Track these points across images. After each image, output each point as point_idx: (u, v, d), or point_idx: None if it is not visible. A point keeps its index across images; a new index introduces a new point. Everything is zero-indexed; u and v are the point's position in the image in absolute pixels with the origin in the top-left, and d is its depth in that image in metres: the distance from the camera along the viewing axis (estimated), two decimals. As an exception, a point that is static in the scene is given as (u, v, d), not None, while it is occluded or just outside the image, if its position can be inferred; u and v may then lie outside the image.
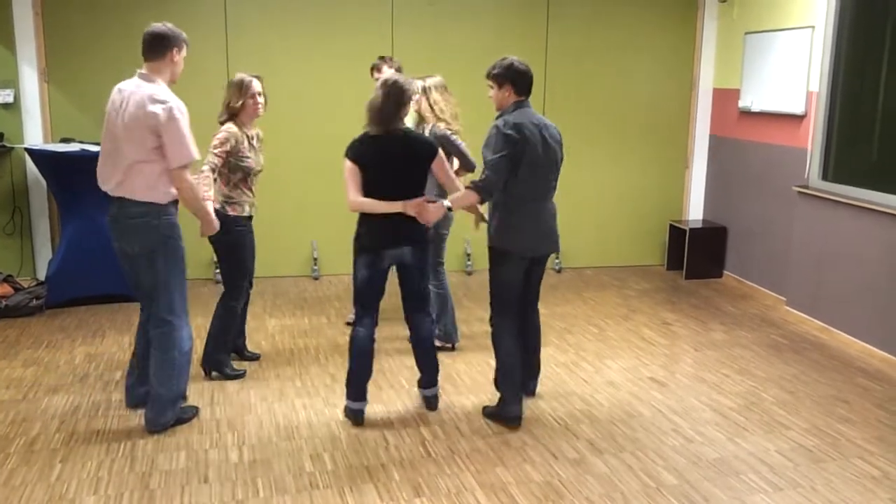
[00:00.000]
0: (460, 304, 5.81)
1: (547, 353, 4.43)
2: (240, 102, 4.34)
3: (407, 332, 4.33)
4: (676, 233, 7.31)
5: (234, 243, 4.42)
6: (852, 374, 4.91)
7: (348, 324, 5.58)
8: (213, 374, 4.61)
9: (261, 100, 4.41)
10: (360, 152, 3.86)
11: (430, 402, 4.24)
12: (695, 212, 7.54)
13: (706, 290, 6.82)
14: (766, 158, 6.53)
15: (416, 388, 4.39)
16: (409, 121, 5.01)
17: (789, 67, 6.14)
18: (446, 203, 3.94)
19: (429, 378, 4.23)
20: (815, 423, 4.17)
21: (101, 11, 6.21)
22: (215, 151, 4.25)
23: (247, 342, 4.96)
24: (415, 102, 4.84)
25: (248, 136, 4.42)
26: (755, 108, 6.61)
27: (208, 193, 4.13)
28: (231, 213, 4.35)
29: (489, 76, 4.01)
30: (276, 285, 6.58)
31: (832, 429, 4.11)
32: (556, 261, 7.26)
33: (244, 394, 4.41)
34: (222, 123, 4.37)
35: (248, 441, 3.85)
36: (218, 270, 5.44)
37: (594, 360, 5.06)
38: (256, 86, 4.39)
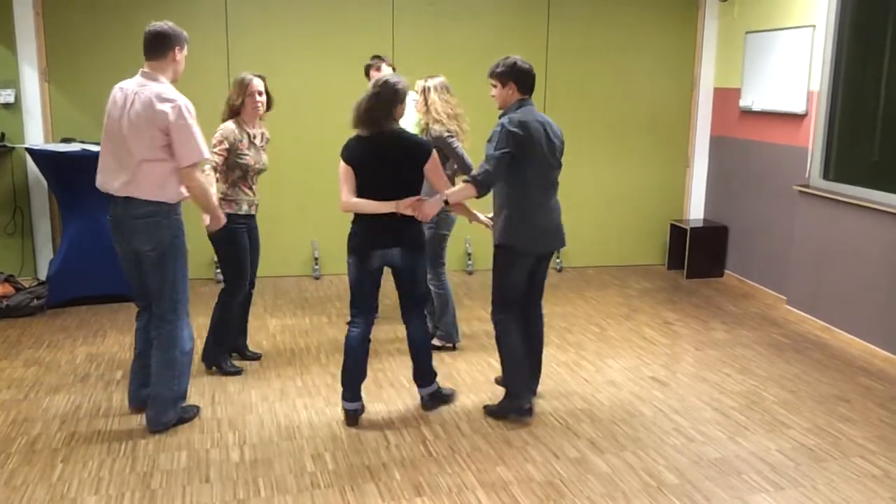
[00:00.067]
0: (461, 304, 5.81)
1: (548, 353, 4.44)
2: (239, 100, 4.38)
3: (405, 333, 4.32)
4: (677, 232, 7.31)
5: (229, 241, 4.45)
6: (853, 373, 4.91)
7: (349, 323, 5.58)
8: (213, 368, 4.65)
9: (261, 99, 4.42)
10: (353, 153, 3.86)
11: (423, 402, 4.23)
12: (696, 211, 7.54)
13: (707, 289, 6.82)
14: (767, 158, 6.53)
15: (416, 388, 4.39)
16: (410, 121, 5.02)
17: (790, 67, 6.14)
18: (443, 196, 3.94)
19: (421, 378, 4.21)
20: (816, 423, 4.17)
21: (101, 11, 6.22)
22: (215, 150, 4.28)
23: (248, 342, 4.96)
24: (416, 103, 4.86)
25: (248, 134, 4.43)
26: (756, 107, 6.61)
27: (212, 191, 4.14)
28: (226, 210, 4.36)
29: (492, 75, 4.03)
30: (277, 285, 6.58)
31: (833, 428, 4.11)
32: (558, 260, 7.26)
33: (245, 393, 4.41)
34: (224, 121, 4.40)
35: (249, 441, 3.85)
36: (219, 269, 5.44)
37: (595, 359, 5.06)
38: (257, 85, 4.41)
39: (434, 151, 3.92)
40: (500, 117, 4.04)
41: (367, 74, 5.20)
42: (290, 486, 3.44)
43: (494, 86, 4.05)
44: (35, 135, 6.21)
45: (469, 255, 7.06)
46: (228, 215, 4.34)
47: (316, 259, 6.88)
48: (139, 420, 3.99)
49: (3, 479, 3.45)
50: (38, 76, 6.17)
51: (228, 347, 4.77)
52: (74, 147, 5.86)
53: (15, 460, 3.62)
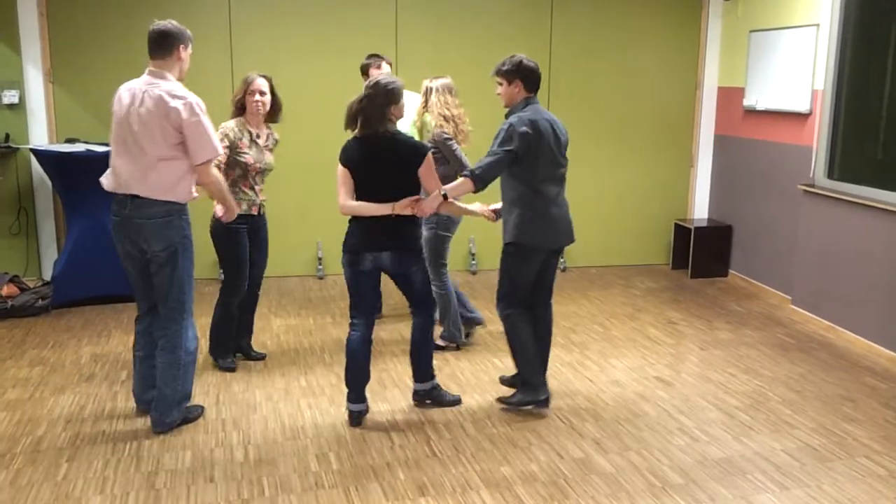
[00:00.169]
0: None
1: (552, 353, 4.43)
2: (241, 98, 4.45)
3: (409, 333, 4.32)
4: (682, 232, 7.30)
5: (227, 240, 4.49)
6: (859, 373, 4.90)
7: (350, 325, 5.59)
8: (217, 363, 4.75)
9: (261, 98, 4.44)
10: (349, 155, 3.86)
11: (414, 395, 4.25)
12: (700, 210, 7.53)
13: (711, 289, 6.81)
14: (772, 157, 6.52)
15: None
16: (407, 121, 5.01)
17: (794, 66, 6.13)
18: (442, 192, 3.94)
19: (416, 374, 4.22)
20: (821, 423, 4.16)
21: (105, 12, 6.22)
22: None
23: (252, 342, 4.96)
24: (420, 103, 4.86)
25: (249, 133, 4.45)
26: (760, 106, 6.60)
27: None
28: None
29: (498, 73, 4.06)
30: (281, 285, 6.59)
31: (839, 428, 4.10)
32: (562, 260, 7.25)
33: (249, 393, 4.41)
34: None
35: (253, 440, 3.85)
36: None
37: (599, 359, 5.05)
38: (259, 84, 4.43)
39: (429, 155, 3.88)
40: (506, 115, 4.08)
41: (367, 73, 5.15)
42: (295, 485, 3.44)
43: (500, 83, 4.08)
44: (39, 135, 6.23)
45: (473, 255, 7.06)
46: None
47: (320, 259, 6.89)
48: (144, 420, 4.00)
49: (8, 478, 3.46)
50: (43, 77, 6.19)
51: (231, 347, 4.78)
52: (79, 147, 5.87)
53: (20, 460, 3.63)
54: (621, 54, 7.14)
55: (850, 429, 4.09)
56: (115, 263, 4.37)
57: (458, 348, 5.10)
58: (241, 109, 4.48)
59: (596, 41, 7.08)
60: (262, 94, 4.45)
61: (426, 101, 4.82)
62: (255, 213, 4.57)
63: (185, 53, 3.74)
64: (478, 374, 4.75)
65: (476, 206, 4.29)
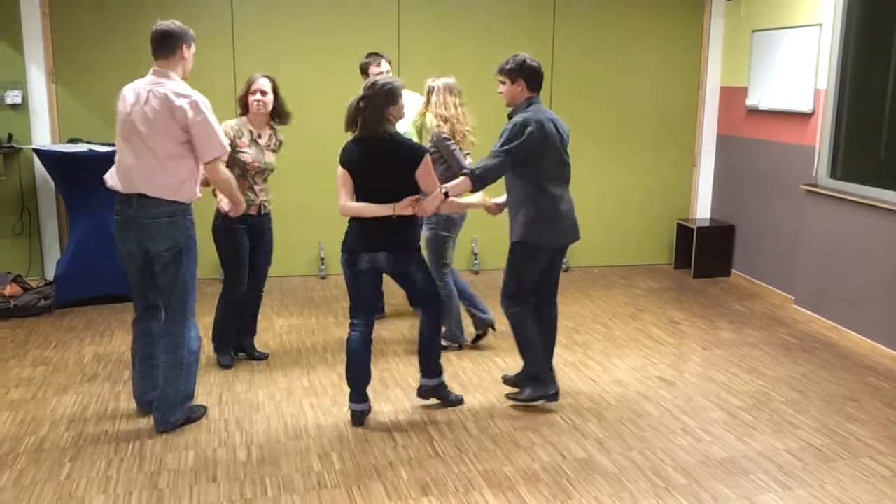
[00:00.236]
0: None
1: (555, 353, 4.43)
2: (241, 97, 4.52)
3: (413, 333, 4.32)
4: (684, 231, 7.29)
5: (225, 240, 4.55)
6: (862, 373, 4.89)
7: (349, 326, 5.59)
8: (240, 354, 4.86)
9: (262, 98, 4.47)
10: (348, 156, 3.86)
11: (419, 389, 4.25)
12: (702, 210, 7.52)
13: (714, 288, 6.80)
14: (774, 157, 6.51)
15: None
16: (406, 121, 5.00)
17: (797, 65, 6.12)
18: (443, 190, 3.94)
19: (424, 370, 4.21)
20: (824, 423, 4.15)
21: (108, 12, 6.23)
22: None
23: (255, 342, 4.96)
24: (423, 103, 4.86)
25: (250, 132, 4.47)
26: (763, 106, 6.59)
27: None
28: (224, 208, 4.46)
29: (502, 71, 4.09)
30: (283, 285, 6.59)
31: (842, 428, 4.09)
32: (564, 259, 7.23)
33: (252, 393, 4.42)
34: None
35: (256, 440, 3.85)
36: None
37: (602, 359, 5.05)
38: (260, 84, 4.47)
39: (426, 157, 3.85)
40: (509, 115, 4.10)
41: (366, 72, 5.14)
42: (297, 485, 3.44)
43: (503, 82, 4.10)
44: (42, 135, 6.23)
45: (475, 254, 7.06)
46: (225, 214, 4.42)
47: (322, 259, 6.89)
48: (147, 420, 4.00)
49: (11, 478, 3.47)
50: (45, 77, 6.19)
51: (232, 345, 4.81)
52: (81, 147, 5.87)
53: (23, 460, 3.63)
54: (624, 54, 7.14)
55: (853, 429, 4.08)
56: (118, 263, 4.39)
57: (460, 348, 5.10)
58: (245, 108, 4.53)
59: (598, 41, 7.08)
60: (263, 93, 4.46)
61: (428, 101, 4.82)
62: (255, 213, 4.57)
63: (189, 53, 3.75)
64: (480, 373, 4.75)
65: (476, 198, 4.29)
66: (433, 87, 4.79)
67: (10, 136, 6.14)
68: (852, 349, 5.31)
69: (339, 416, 4.12)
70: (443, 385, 4.24)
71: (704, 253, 7.08)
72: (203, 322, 4.68)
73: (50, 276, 6.28)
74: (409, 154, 3.83)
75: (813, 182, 5.99)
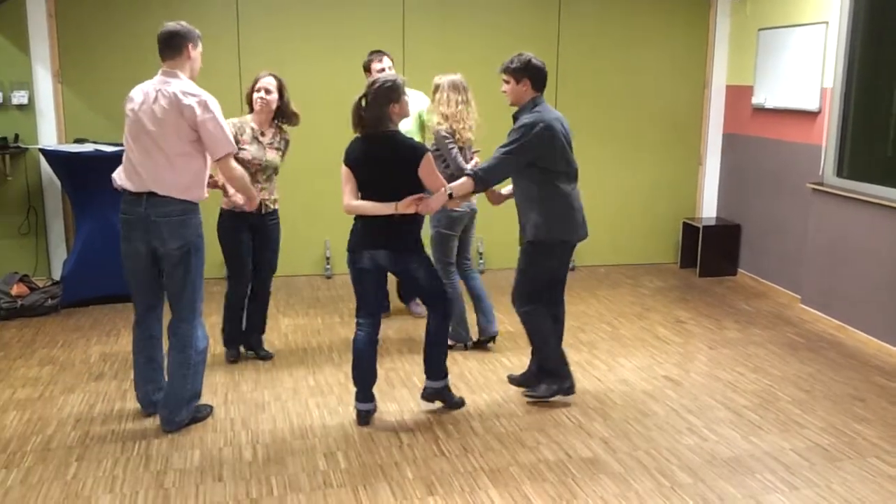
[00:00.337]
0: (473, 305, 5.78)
1: (560, 352, 4.44)
2: (247, 94, 4.57)
3: (419, 333, 4.32)
4: (690, 230, 7.27)
5: (224, 237, 4.63)
6: (869, 372, 4.87)
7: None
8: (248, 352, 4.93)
9: (265, 95, 4.51)
10: (351, 155, 3.88)
11: (423, 392, 4.22)
12: (708, 209, 7.50)
13: (720, 287, 6.79)
14: (780, 155, 6.49)
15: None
16: (411, 122, 5.00)
17: (803, 64, 6.10)
18: (448, 191, 3.94)
19: (429, 371, 4.18)
20: (831, 422, 4.14)
21: (113, 12, 6.24)
22: None
23: (260, 341, 4.97)
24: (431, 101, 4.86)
25: (252, 129, 4.52)
26: (769, 104, 6.57)
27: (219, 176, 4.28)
28: (223, 206, 4.57)
29: (506, 70, 4.09)
30: (289, 284, 6.60)
31: (848, 428, 4.08)
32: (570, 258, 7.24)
33: (258, 393, 4.42)
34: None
35: (262, 440, 3.86)
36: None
37: (608, 358, 5.04)
38: (264, 83, 4.52)
39: (428, 155, 3.83)
40: (513, 115, 4.11)
41: (369, 70, 5.15)
42: (303, 484, 3.45)
43: (507, 81, 4.11)
44: (48, 136, 6.25)
45: (481, 254, 7.05)
46: (224, 211, 4.55)
47: (328, 258, 6.90)
48: (153, 419, 4.01)
49: (18, 477, 3.48)
50: (52, 77, 6.21)
51: (237, 340, 4.87)
52: (87, 148, 5.89)
53: (30, 459, 3.64)
54: (629, 52, 7.13)
55: (860, 428, 4.07)
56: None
57: (465, 347, 5.10)
58: (251, 106, 4.59)
59: (604, 39, 7.07)
60: (267, 91, 4.49)
61: (433, 98, 4.82)
62: (254, 211, 4.59)
63: (195, 52, 3.76)
64: (486, 373, 4.74)
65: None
66: (438, 85, 4.78)
67: (16, 137, 6.16)
68: (859, 348, 5.29)
69: (344, 416, 4.13)
70: (447, 388, 4.22)
71: (710, 252, 7.07)
72: (209, 321, 4.70)
73: (56, 275, 6.30)
74: (409, 153, 3.83)
75: (819, 181, 5.97)
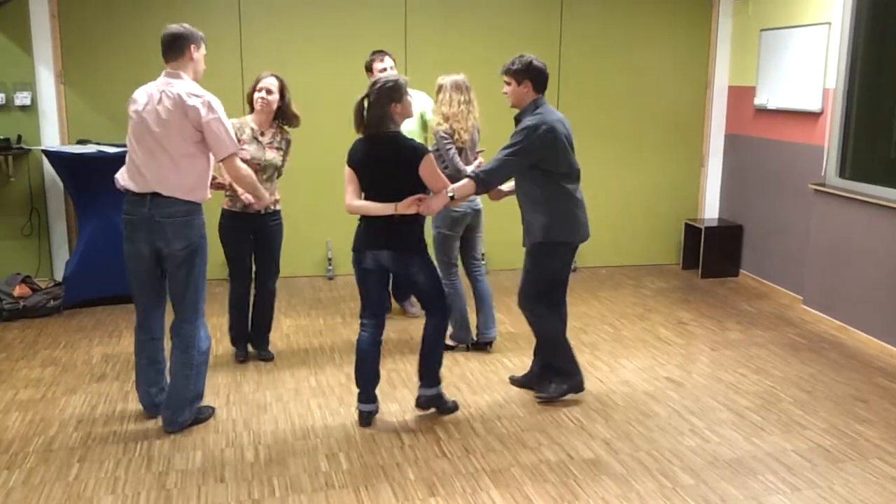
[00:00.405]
0: (472, 306, 5.79)
1: (562, 353, 4.44)
2: (249, 94, 4.60)
3: (420, 333, 4.31)
4: (692, 231, 7.27)
5: (224, 237, 4.67)
6: (871, 373, 4.87)
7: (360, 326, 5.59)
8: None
9: (266, 96, 4.52)
10: (353, 155, 3.89)
11: (417, 400, 4.17)
12: (710, 210, 7.50)
13: (722, 288, 6.78)
14: (783, 156, 6.49)
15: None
16: (414, 122, 5.00)
17: (806, 64, 6.10)
18: (450, 193, 3.94)
19: (424, 378, 4.14)
20: (833, 423, 4.13)
21: (116, 13, 6.25)
22: None
23: (265, 342, 4.98)
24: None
25: (252, 129, 4.54)
26: (771, 105, 6.57)
27: (222, 177, 4.32)
28: (224, 206, 4.63)
29: (507, 72, 4.10)
30: (290, 285, 6.60)
31: (851, 429, 4.07)
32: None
33: (260, 394, 4.43)
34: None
35: (263, 441, 3.86)
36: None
37: (610, 359, 5.04)
38: (266, 83, 4.54)
39: (428, 156, 3.83)
40: (515, 117, 4.11)
41: (370, 70, 5.15)
42: (305, 485, 3.45)
43: (508, 83, 4.12)
44: (51, 137, 6.26)
45: (482, 255, 7.03)
46: (225, 211, 4.61)
47: (329, 259, 6.90)
48: (155, 420, 4.02)
49: (21, 478, 3.48)
50: (54, 78, 6.22)
51: (243, 339, 4.90)
52: (90, 149, 5.89)
53: (32, 459, 3.65)
54: (631, 53, 7.12)
55: (862, 430, 4.06)
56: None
57: (467, 348, 5.10)
58: (252, 106, 4.61)
59: (606, 40, 7.07)
60: (268, 92, 4.51)
61: (436, 99, 4.82)
62: (252, 211, 4.60)
63: (198, 54, 3.77)
64: (487, 374, 4.74)
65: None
66: (441, 85, 4.79)
67: (19, 138, 6.17)
68: (861, 349, 5.29)
69: (346, 417, 4.13)
70: (440, 394, 4.16)
71: (712, 253, 7.06)
72: (212, 322, 4.71)
73: (59, 276, 6.30)
74: (410, 154, 3.82)
75: (822, 181, 5.96)
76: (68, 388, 4.48)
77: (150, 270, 3.84)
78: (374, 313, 4.01)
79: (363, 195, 3.88)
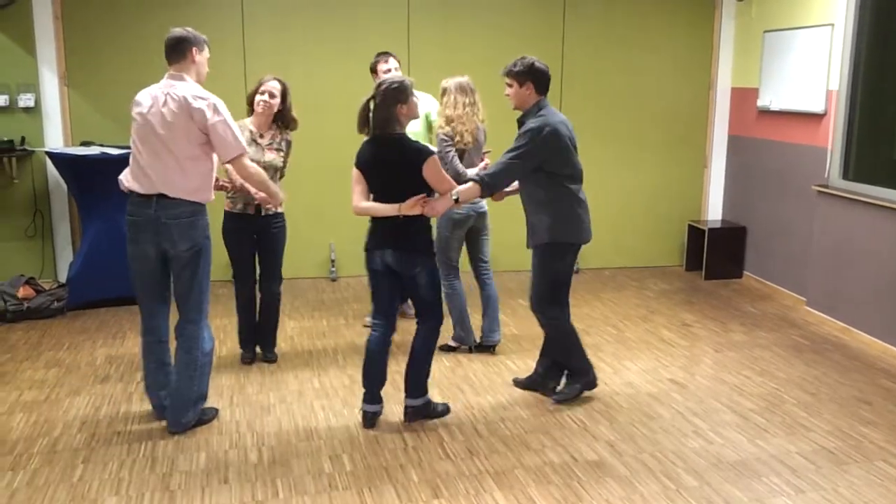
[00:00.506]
0: (474, 307, 5.79)
1: (565, 355, 4.44)
2: (249, 96, 4.60)
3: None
4: (695, 233, 7.26)
5: (226, 239, 4.69)
6: (875, 375, 4.86)
7: (366, 326, 5.59)
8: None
9: (270, 100, 4.53)
10: (360, 157, 3.90)
11: (406, 412, 4.09)
12: (714, 212, 7.49)
13: (726, 290, 6.78)
14: (786, 158, 6.48)
15: (434, 390, 4.38)
16: (419, 123, 5.00)
17: (809, 66, 6.09)
18: (454, 195, 3.95)
19: (409, 388, 4.07)
20: (837, 425, 4.13)
21: (119, 15, 6.26)
22: None
23: (270, 344, 4.98)
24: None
25: (251, 132, 4.55)
26: (774, 106, 6.56)
27: (224, 179, 4.34)
28: (226, 208, 4.65)
29: (509, 74, 4.10)
30: (293, 287, 6.60)
31: (855, 431, 4.07)
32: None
33: (263, 395, 4.43)
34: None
35: (267, 442, 3.87)
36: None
37: (613, 361, 5.04)
38: (269, 86, 4.54)
39: (432, 158, 3.82)
40: (520, 118, 4.13)
41: (375, 71, 5.15)
42: (308, 487, 3.45)
43: (510, 85, 4.12)
44: (55, 138, 6.27)
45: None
46: (227, 213, 4.64)
47: (332, 261, 6.90)
48: (158, 421, 4.02)
49: (25, 479, 3.49)
50: (58, 80, 6.23)
51: (249, 340, 4.91)
52: (94, 150, 5.90)
53: (37, 461, 3.65)
54: (634, 54, 7.12)
55: (866, 431, 4.06)
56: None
57: (470, 350, 5.09)
58: (252, 108, 4.61)
59: (609, 41, 7.07)
60: (271, 95, 4.52)
61: (441, 102, 4.82)
62: (253, 213, 4.61)
63: (200, 56, 3.78)
64: (490, 375, 4.74)
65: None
66: (446, 88, 4.79)
67: (22, 139, 6.18)
68: (864, 351, 5.28)
69: (349, 418, 4.13)
70: (428, 403, 4.11)
71: (716, 254, 7.05)
72: (215, 324, 4.72)
73: (62, 278, 6.31)
74: (414, 156, 3.83)
75: (825, 183, 5.95)
76: (72, 390, 4.48)
77: (155, 271, 3.84)
78: (383, 314, 4.01)
79: (371, 196, 3.89)
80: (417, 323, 4.07)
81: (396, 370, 4.76)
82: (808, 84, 6.12)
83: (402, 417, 4.12)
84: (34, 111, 6.20)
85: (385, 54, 5.21)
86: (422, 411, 4.09)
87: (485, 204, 4.86)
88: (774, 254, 6.70)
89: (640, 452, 3.80)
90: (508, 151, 4.04)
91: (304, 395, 4.43)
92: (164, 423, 3.97)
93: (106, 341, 5.29)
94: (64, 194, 6.34)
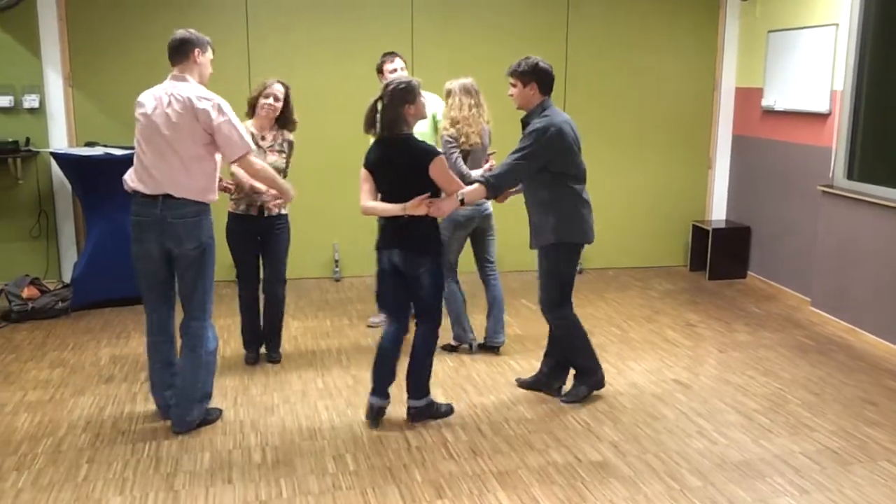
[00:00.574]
0: (479, 307, 5.79)
1: (569, 355, 4.44)
2: (252, 98, 4.60)
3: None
4: (699, 233, 7.26)
5: (228, 239, 4.70)
6: (879, 375, 4.85)
7: (370, 326, 5.60)
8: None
9: (272, 102, 4.55)
10: (369, 158, 3.92)
11: (409, 413, 4.09)
12: (718, 212, 7.48)
13: (730, 290, 6.77)
14: (790, 158, 6.47)
15: (438, 390, 4.38)
16: (426, 124, 5.00)
17: (813, 66, 6.08)
18: (460, 196, 3.95)
19: (411, 389, 4.08)
20: (841, 426, 4.12)
21: (124, 15, 6.28)
22: None
23: (274, 345, 4.98)
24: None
25: (253, 134, 4.55)
26: (778, 106, 6.55)
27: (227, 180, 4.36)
28: (230, 209, 4.66)
29: (513, 74, 4.10)
30: (297, 287, 6.60)
31: (859, 431, 4.06)
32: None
33: (267, 395, 4.43)
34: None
35: (271, 442, 3.87)
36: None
37: (617, 361, 5.03)
38: (274, 90, 4.56)
39: (439, 158, 3.84)
40: (524, 119, 4.13)
41: (381, 72, 5.15)
42: (312, 487, 3.45)
43: (514, 85, 4.12)
44: (59, 139, 6.29)
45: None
46: (230, 214, 4.65)
47: (336, 261, 6.91)
48: (162, 421, 4.03)
49: (30, 479, 3.50)
50: (62, 81, 6.24)
51: (253, 340, 4.91)
52: (98, 151, 5.92)
53: (41, 461, 3.66)
54: (638, 54, 7.12)
55: (871, 432, 4.05)
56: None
57: (471, 349, 5.09)
58: (252, 110, 4.62)
59: (613, 41, 7.06)
60: (276, 98, 4.53)
61: (447, 103, 4.82)
62: (255, 214, 4.61)
63: (203, 58, 3.79)
64: (494, 375, 4.74)
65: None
66: (450, 90, 4.79)
67: (27, 140, 6.20)
68: (869, 351, 5.27)
69: (353, 418, 4.13)
70: (431, 404, 4.11)
71: (720, 254, 7.04)
72: (219, 324, 4.72)
73: (67, 278, 6.33)
74: (421, 156, 3.84)
75: (829, 183, 5.94)
76: (77, 390, 4.49)
77: (160, 271, 3.85)
78: (394, 312, 4.03)
79: (379, 196, 3.91)
80: (416, 324, 4.08)
81: (400, 369, 4.77)
82: (812, 84, 6.11)
83: (405, 418, 4.12)
84: (39, 112, 6.22)
85: (391, 54, 5.21)
86: (425, 412, 4.10)
87: (489, 205, 4.86)
88: (779, 254, 6.68)
89: (643, 453, 3.80)
90: (513, 152, 4.04)
91: (307, 396, 4.44)
92: (168, 422, 3.98)
93: (110, 341, 5.30)
94: (68, 195, 6.35)
